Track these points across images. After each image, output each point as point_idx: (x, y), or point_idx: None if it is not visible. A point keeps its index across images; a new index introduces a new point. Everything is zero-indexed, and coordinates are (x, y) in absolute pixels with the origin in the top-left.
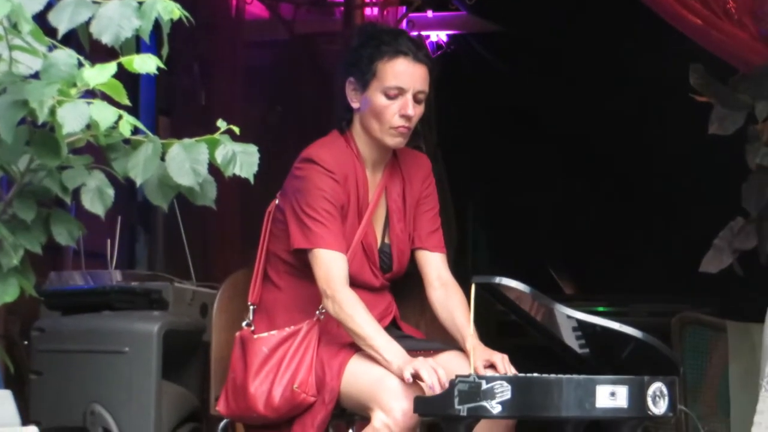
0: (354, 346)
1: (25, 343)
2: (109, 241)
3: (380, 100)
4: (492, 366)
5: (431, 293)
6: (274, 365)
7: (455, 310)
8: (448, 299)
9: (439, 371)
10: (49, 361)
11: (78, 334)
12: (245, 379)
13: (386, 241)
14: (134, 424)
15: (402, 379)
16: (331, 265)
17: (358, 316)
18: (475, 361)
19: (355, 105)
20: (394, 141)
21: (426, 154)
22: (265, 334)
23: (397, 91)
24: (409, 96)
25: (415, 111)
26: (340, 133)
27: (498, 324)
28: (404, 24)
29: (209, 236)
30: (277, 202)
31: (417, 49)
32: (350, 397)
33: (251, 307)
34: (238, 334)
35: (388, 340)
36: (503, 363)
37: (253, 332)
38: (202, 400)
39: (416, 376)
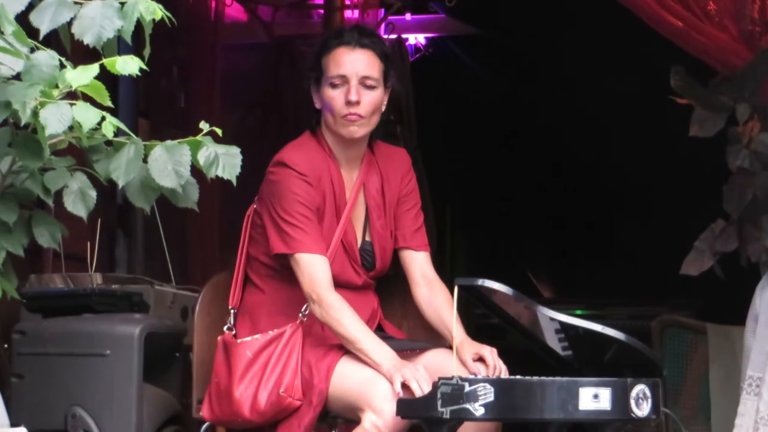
0: (341, 347)
1: (6, 346)
2: (89, 243)
3: (328, 92)
4: (481, 359)
5: (416, 291)
6: (258, 369)
7: (441, 308)
8: (434, 297)
9: (422, 383)
10: (30, 364)
11: (59, 337)
12: (230, 384)
13: (367, 238)
14: (116, 426)
15: (391, 381)
16: (314, 269)
17: (346, 319)
18: (464, 355)
19: (317, 105)
20: (346, 130)
21: None
22: (249, 339)
23: (339, 80)
24: (353, 83)
25: (362, 97)
26: (312, 133)
27: (477, 327)
28: (383, 27)
29: (188, 239)
30: (255, 206)
31: (360, 37)
32: (339, 398)
33: (232, 311)
34: (220, 338)
35: (377, 343)
36: (492, 356)
37: (235, 336)
38: (183, 402)
39: (404, 385)
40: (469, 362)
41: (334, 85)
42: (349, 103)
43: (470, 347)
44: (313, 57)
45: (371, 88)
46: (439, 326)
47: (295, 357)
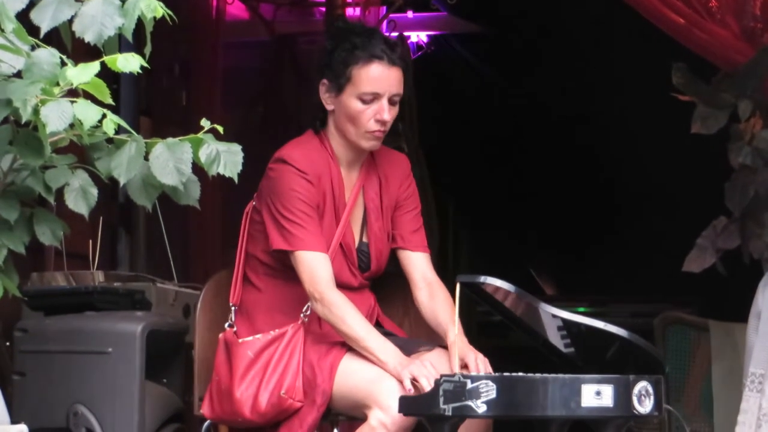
0: (343, 344)
1: (8, 344)
2: (90, 241)
3: (355, 105)
4: (466, 366)
5: (417, 293)
6: (259, 370)
7: (439, 309)
8: (433, 298)
9: (431, 379)
10: (32, 361)
11: (61, 335)
12: (230, 384)
13: (364, 240)
14: (118, 424)
15: (398, 379)
16: (315, 267)
17: (349, 317)
18: (451, 359)
19: (329, 107)
20: (369, 144)
21: (408, 154)
22: (250, 338)
23: (372, 97)
24: (384, 101)
25: (390, 114)
26: (315, 132)
27: (479, 325)
28: (385, 24)
29: (189, 237)
30: (253, 203)
31: (391, 51)
32: (344, 396)
33: (233, 308)
34: (221, 336)
35: (381, 341)
36: (476, 363)
37: (236, 334)
38: (185, 400)
39: (414, 380)
40: (455, 369)
41: (364, 101)
42: (379, 121)
43: (458, 351)
44: (338, 63)
45: (395, 103)
46: (437, 328)
47: (296, 358)
